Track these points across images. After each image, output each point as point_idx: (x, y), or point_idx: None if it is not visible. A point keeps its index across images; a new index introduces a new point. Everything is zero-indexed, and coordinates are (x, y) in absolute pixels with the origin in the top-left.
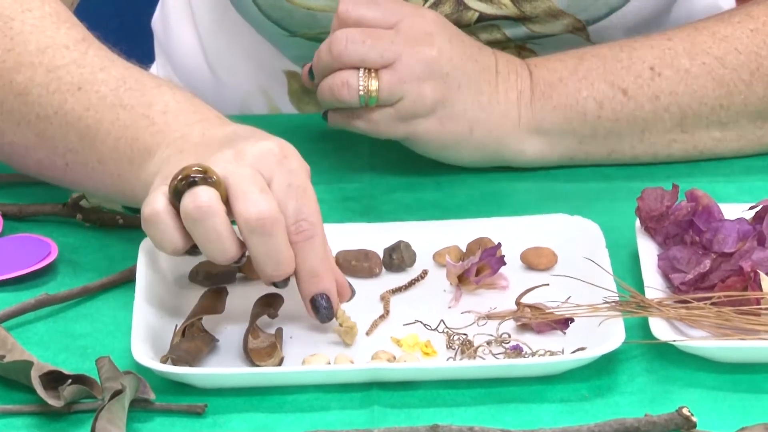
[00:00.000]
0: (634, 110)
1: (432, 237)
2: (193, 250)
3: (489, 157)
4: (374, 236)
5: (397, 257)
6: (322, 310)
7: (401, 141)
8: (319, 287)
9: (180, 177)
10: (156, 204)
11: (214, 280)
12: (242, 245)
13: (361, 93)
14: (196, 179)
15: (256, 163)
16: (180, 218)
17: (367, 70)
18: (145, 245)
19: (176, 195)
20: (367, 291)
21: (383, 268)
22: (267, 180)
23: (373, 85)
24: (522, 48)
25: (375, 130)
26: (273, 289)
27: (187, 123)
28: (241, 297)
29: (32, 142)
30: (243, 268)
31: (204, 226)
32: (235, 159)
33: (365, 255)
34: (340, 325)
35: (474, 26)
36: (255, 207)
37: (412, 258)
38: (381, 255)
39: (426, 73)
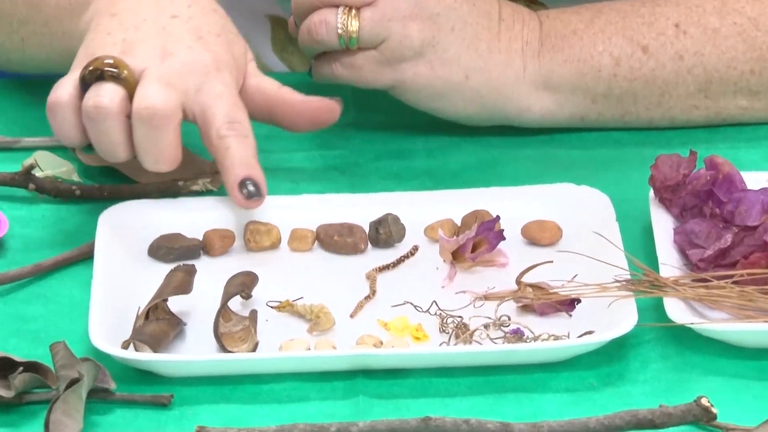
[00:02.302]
0: (654, 70)
1: (423, 209)
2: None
3: (489, 112)
4: (359, 208)
5: (385, 232)
6: (250, 188)
7: (389, 91)
8: (249, 172)
9: (90, 68)
10: (61, 92)
11: (175, 255)
12: (133, 150)
13: (341, 32)
14: (105, 74)
15: (182, 69)
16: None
17: (347, 8)
18: (104, 218)
19: (83, 86)
20: (352, 269)
21: (369, 243)
22: (192, 87)
23: (354, 25)
24: (532, 1)
25: (359, 78)
26: (247, 268)
27: None
28: (212, 276)
29: None
30: (206, 247)
31: (98, 127)
32: (161, 58)
33: (349, 229)
34: (309, 318)
35: None
36: (150, 99)
37: (400, 232)
38: (366, 229)
39: (413, 12)
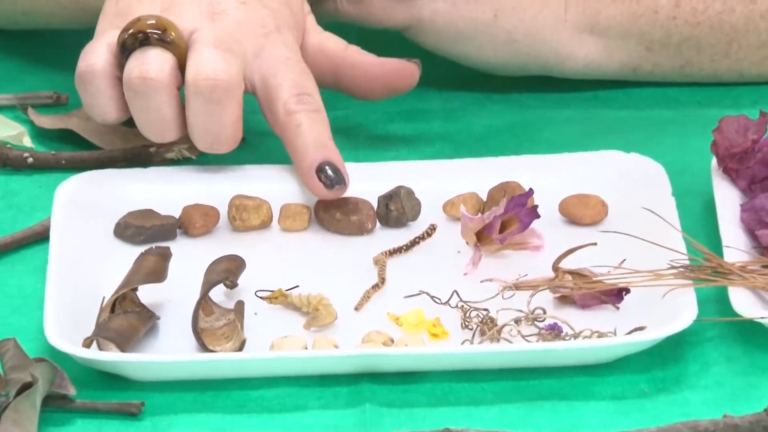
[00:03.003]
0: (721, 13)
1: (441, 181)
2: (131, 121)
3: (522, 60)
4: (365, 181)
5: (396, 208)
6: (329, 174)
7: (403, 32)
8: (327, 155)
9: (131, 30)
10: (94, 59)
11: (147, 236)
12: (185, 128)
13: None
14: (150, 37)
15: (237, 30)
16: (121, 81)
17: None
18: (62, 192)
19: (123, 52)
20: (357, 253)
21: (377, 222)
22: (250, 51)
23: None
24: None
25: (368, 15)
26: (232, 251)
27: None
28: (190, 260)
29: None
30: (184, 225)
31: (145, 101)
32: (210, 17)
33: (354, 206)
34: (305, 312)
35: None
36: (209, 68)
37: (415, 209)
38: (375, 205)
39: None
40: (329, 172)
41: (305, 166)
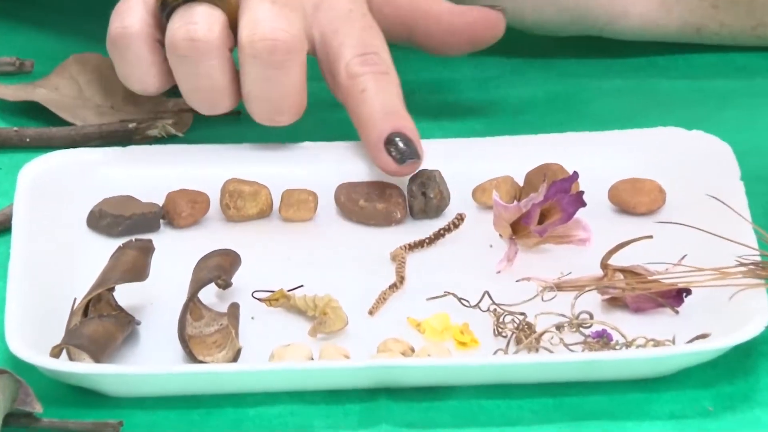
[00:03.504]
0: None
1: (471, 163)
2: (174, 90)
3: (568, 18)
4: None
5: (435, 194)
6: (400, 146)
7: None
8: (397, 124)
9: None
10: (130, 20)
11: (126, 227)
12: (239, 96)
13: None
14: None
15: None
16: (163, 46)
17: None
18: (26, 175)
19: (164, 9)
20: (372, 247)
21: (407, 212)
22: (309, 4)
23: None
24: None
25: None
26: (225, 245)
27: None
28: (175, 255)
29: None
30: (168, 215)
31: (193, 67)
32: None
33: (381, 191)
34: (311, 316)
35: None
36: (266, 27)
37: (449, 196)
38: (404, 191)
39: None
40: (400, 144)
41: (372, 137)
